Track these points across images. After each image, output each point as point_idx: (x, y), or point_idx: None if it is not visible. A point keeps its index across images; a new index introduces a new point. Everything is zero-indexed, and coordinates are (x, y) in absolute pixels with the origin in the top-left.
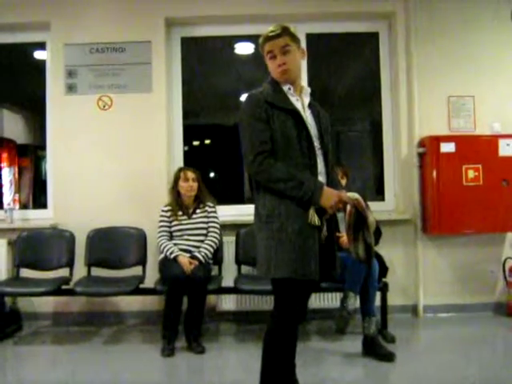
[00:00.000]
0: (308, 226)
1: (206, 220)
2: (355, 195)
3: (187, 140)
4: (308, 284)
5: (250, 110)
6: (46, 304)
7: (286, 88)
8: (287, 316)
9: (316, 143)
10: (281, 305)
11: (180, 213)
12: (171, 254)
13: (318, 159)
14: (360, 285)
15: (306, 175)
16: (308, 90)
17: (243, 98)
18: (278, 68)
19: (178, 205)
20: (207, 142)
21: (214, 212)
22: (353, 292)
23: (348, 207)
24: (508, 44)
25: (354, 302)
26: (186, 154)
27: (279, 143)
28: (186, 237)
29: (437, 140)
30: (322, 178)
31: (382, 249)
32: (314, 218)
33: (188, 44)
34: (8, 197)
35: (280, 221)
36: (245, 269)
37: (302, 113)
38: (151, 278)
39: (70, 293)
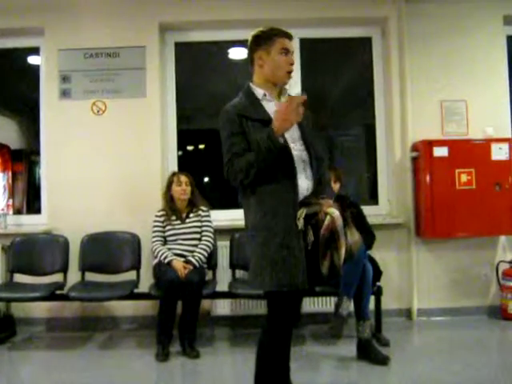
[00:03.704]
0: (292, 237)
1: (199, 224)
2: (334, 212)
3: (181, 145)
4: (298, 292)
5: (224, 125)
6: (40, 309)
7: (260, 95)
8: (280, 323)
9: (297, 146)
10: (273, 313)
11: (173, 217)
12: (165, 258)
13: (300, 166)
14: (354, 289)
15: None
16: (288, 90)
17: None
18: (290, 65)
19: (172, 209)
20: (201, 146)
21: (208, 216)
22: (347, 297)
23: (326, 220)
24: (500, 49)
25: (348, 307)
26: (180, 158)
27: None
28: (179, 241)
29: (430, 144)
30: (308, 183)
31: (376, 253)
32: (301, 218)
33: (182, 49)
34: (1, 202)
35: (263, 234)
36: (239, 273)
37: None
38: (145, 282)
39: (64, 298)
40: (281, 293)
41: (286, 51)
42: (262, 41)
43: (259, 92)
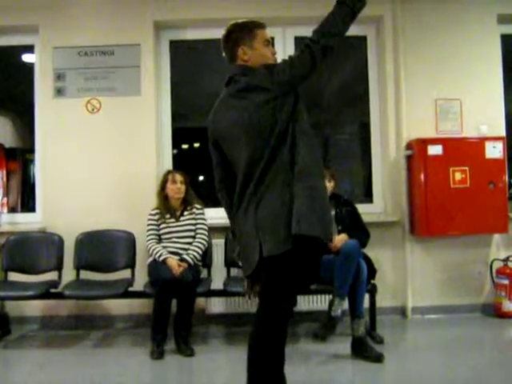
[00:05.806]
0: None
1: (193, 222)
2: None
3: (176, 143)
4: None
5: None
6: (35, 308)
7: None
8: (288, 297)
9: None
10: (285, 281)
11: (168, 215)
12: (160, 256)
13: None
14: (348, 287)
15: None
16: None
17: None
18: (274, 56)
19: (166, 208)
20: (196, 145)
21: (202, 214)
22: (340, 297)
23: None
24: (494, 47)
25: (342, 306)
26: (175, 157)
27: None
28: (174, 239)
29: (424, 143)
30: None
31: (371, 251)
32: None
33: (177, 47)
34: None
35: (314, 179)
36: (234, 271)
37: None
38: (140, 281)
39: (59, 296)
40: (311, 245)
41: (268, 42)
42: (245, 36)
43: None
